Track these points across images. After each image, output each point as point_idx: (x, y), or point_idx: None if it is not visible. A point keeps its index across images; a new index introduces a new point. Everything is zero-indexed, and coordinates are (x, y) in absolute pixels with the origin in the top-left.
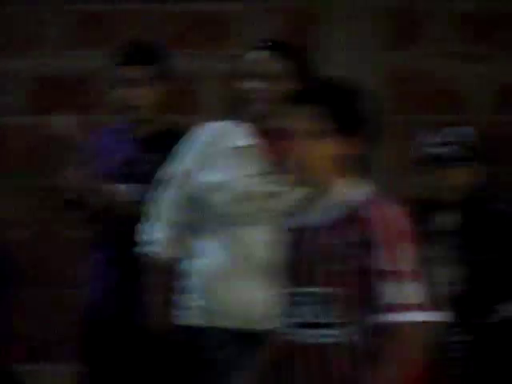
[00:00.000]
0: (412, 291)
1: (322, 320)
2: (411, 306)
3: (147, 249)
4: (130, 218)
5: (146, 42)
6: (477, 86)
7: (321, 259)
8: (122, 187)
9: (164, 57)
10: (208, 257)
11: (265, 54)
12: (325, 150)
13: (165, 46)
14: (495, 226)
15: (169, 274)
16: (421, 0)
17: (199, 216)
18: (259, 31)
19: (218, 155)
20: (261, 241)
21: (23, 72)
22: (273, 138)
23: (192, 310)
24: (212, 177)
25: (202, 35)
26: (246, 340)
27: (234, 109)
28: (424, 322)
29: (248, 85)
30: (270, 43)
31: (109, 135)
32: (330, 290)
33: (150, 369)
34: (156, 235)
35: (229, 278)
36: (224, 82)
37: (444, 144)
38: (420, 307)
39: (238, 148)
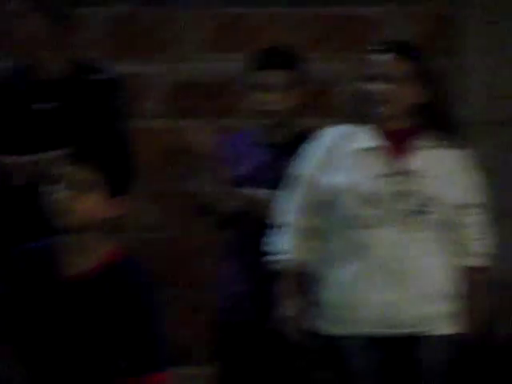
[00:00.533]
0: None
1: None
2: None
3: (275, 256)
4: (264, 223)
5: (284, 46)
6: None
7: None
8: (258, 192)
9: (301, 61)
10: (338, 262)
11: (389, 55)
12: None
13: (301, 50)
14: None
15: (299, 281)
16: None
17: (326, 220)
18: (399, 35)
19: (342, 157)
20: (391, 242)
21: (161, 76)
22: (396, 140)
23: (327, 318)
24: (338, 179)
25: (342, 39)
26: (391, 345)
27: (358, 111)
28: None
29: (372, 86)
30: (394, 45)
31: (242, 140)
32: None
33: (282, 374)
34: (283, 241)
35: (363, 283)
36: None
37: None
38: None
39: (362, 150)
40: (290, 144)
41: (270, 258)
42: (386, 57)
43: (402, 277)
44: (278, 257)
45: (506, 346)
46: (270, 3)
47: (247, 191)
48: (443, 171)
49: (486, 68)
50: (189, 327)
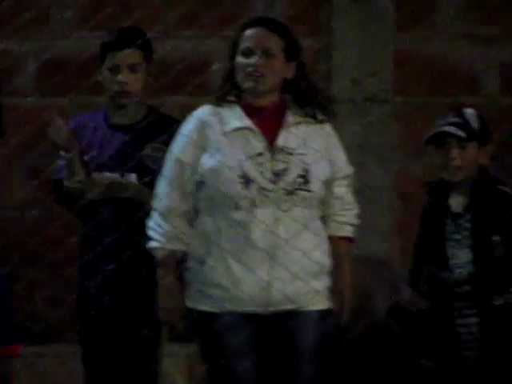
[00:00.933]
0: None
1: None
2: None
3: (151, 241)
4: (127, 208)
5: (136, 27)
6: (485, 67)
7: None
8: (114, 176)
9: (150, 42)
10: (214, 243)
11: (259, 30)
12: None
13: (172, 29)
14: (503, 208)
15: (176, 265)
16: None
17: (200, 202)
18: (269, 12)
19: (214, 138)
20: (265, 222)
21: (32, 53)
22: (267, 117)
23: (203, 297)
24: (211, 161)
25: (212, 17)
26: (264, 323)
27: (232, 88)
28: None
29: (245, 60)
30: (264, 20)
31: (98, 121)
32: None
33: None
34: (156, 228)
35: (237, 263)
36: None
37: (450, 124)
38: None
39: (234, 130)
40: (147, 125)
41: (147, 244)
42: (257, 31)
43: (275, 256)
44: (152, 244)
45: (382, 323)
46: None
47: (107, 176)
48: (313, 147)
49: (353, 46)
50: (60, 306)
